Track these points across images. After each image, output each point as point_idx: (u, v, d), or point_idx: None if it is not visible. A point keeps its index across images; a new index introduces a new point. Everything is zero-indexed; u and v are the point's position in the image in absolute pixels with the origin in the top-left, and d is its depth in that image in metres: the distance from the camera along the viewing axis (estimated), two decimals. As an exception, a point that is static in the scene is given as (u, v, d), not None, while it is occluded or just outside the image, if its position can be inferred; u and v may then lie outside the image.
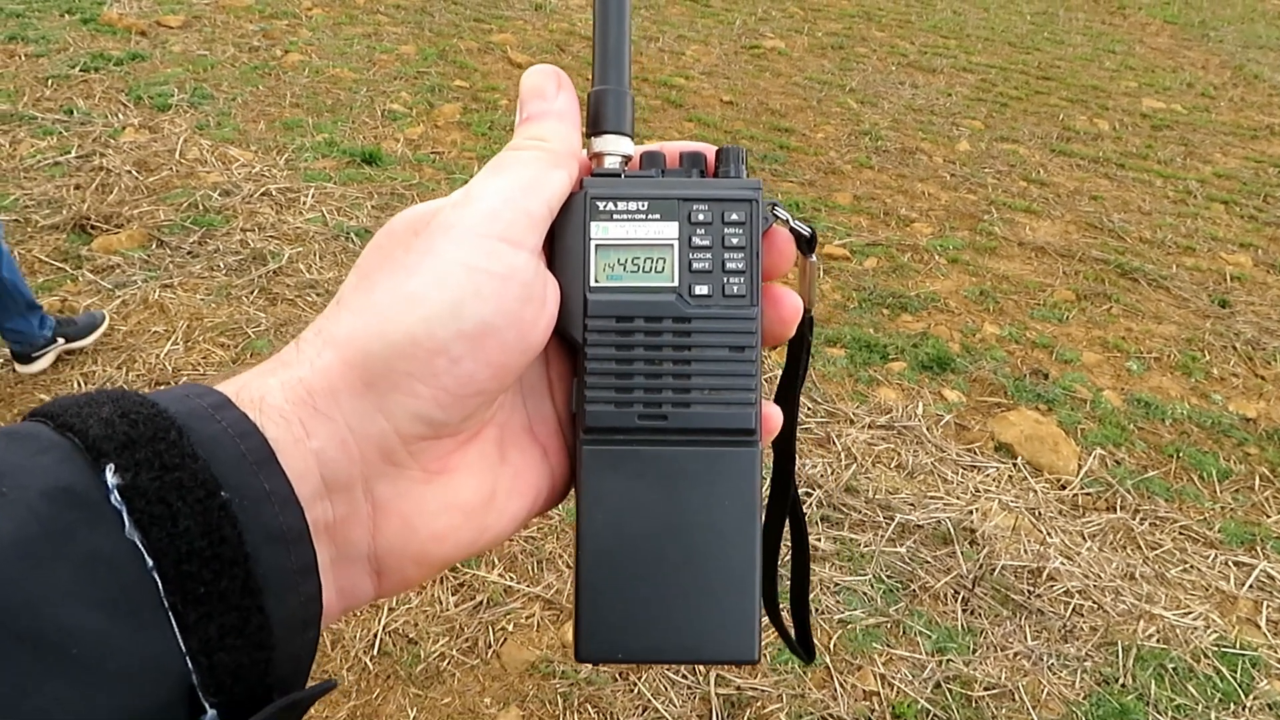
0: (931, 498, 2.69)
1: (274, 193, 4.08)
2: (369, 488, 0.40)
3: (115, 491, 0.32)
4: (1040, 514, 2.67)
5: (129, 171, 4.12)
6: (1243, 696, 2.14)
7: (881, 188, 4.81)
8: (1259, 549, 2.58)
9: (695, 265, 0.46)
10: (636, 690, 2.12)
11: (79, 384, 2.95)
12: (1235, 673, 2.20)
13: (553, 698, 2.10)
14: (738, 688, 2.14)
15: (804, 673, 2.17)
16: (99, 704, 0.30)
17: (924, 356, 3.36)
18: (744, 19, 7.60)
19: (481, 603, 2.31)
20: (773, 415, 0.47)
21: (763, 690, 2.14)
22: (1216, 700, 2.13)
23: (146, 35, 5.76)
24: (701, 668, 2.18)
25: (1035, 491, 2.76)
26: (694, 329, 0.46)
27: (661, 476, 0.46)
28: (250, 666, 0.34)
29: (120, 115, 4.64)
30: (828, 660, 2.21)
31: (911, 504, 2.66)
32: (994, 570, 2.45)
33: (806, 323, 0.50)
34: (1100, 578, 2.44)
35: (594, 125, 0.48)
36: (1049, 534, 2.59)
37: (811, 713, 2.08)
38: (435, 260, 0.41)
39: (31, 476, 0.32)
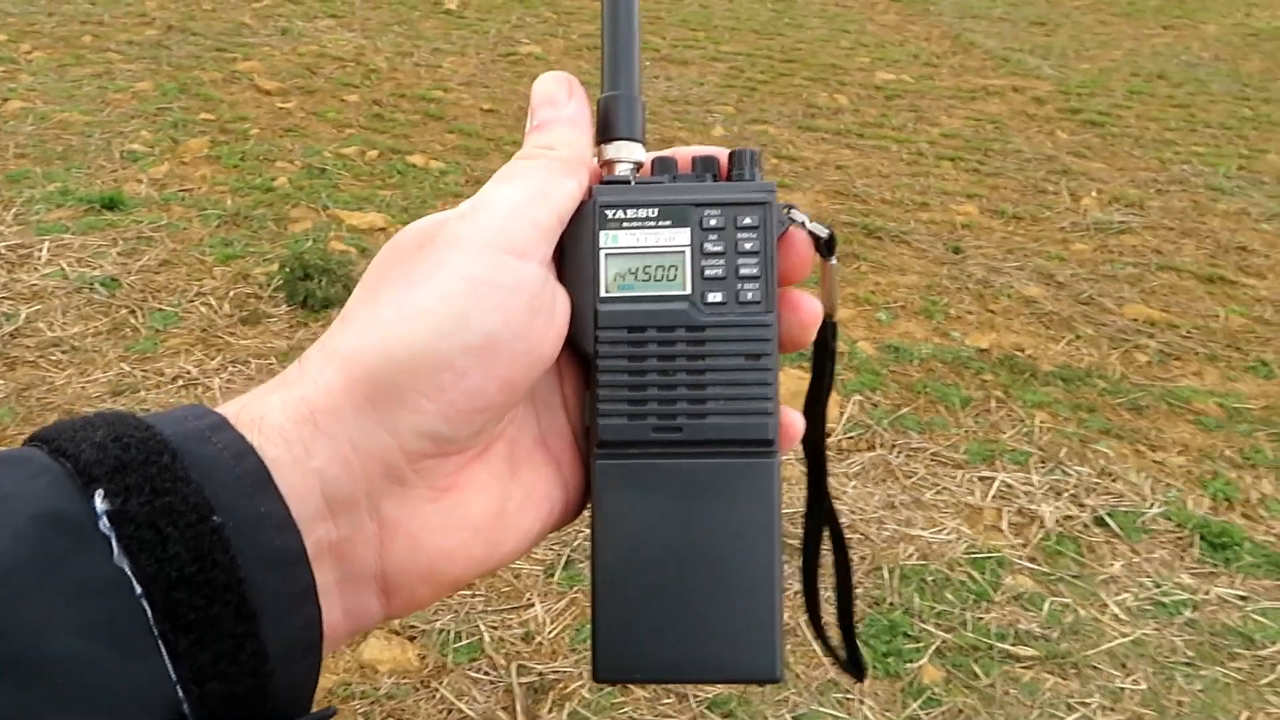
0: (710, 463, 2.82)
1: (3, 251, 3.80)
2: (374, 506, 0.39)
3: (104, 517, 0.31)
4: (809, 462, 2.85)
5: None
6: (992, 594, 2.37)
7: (644, 178, 4.97)
8: (998, 462, 2.85)
9: (708, 272, 0.45)
10: (439, 696, 2.13)
11: None
12: (985, 574, 2.43)
13: (354, 719, 2.08)
14: (540, 674, 2.19)
15: (601, 646, 2.24)
16: None
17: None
18: (499, 27, 7.65)
19: (271, 638, 2.25)
20: (793, 423, 0.46)
21: (564, 671, 2.19)
22: (971, 601, 2.35)
23: None
24: (503, 663, 2.22)
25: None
26: (708, 337, 0.44)
27: (678, 489, 0.44)
28: (245, 695, 0.32)
29: None
30: (624, 631, 2.28)
31: (692, 471, 2.78)
32: (771, 520, 2.60)
33: (830, 328, 0.49)
34: (865, 511, 2.64)
35: (604, 132, 0.46)
36: (818, 479, 2.77)
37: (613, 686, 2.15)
38: (441, 274, 0.40)
39: (22, 502, 0.31)
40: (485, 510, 0.42)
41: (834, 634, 0.57)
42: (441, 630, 2.27)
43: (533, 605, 2.35)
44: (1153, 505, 2.70)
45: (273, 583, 0.34)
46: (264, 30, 7.11)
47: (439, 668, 2.19)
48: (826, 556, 0.59)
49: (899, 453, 2.90)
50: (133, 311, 3.46)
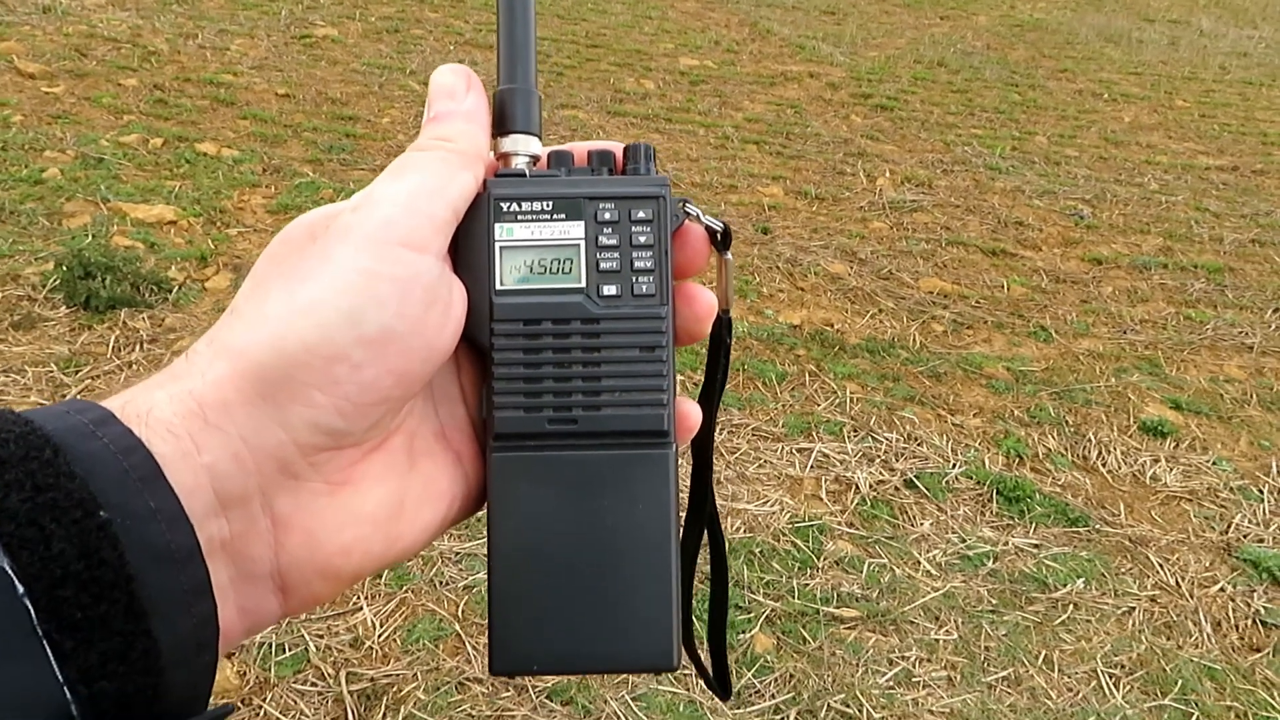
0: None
1: None
2: (268, 502, 0.38)
3: None
4: (636, 444, 2.87)
5: None
6: (816, 560, 2.47)
7: (454, 165, 4.86)
8: (814, 433, 2.97)
9: (603, 265, 0.45)
10: (263, 713, 2.01)
11: None
12: (808, 542, 2.52)
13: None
14: (371, 679, 2.10)
15: (435, 645, 2.18)
16: None
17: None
18: (290, 8, 7.28)
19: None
20: (690, 414, 0.46)
21: (396, 674, 2.12)
22: (796, 569, 2.44)
23: None
24: (331, 672, 2.12)
25: (629, 425, 2.96)
26: (603, 330, 0.45)
27: (573, 481, 0.44)
28: (136, 694, 0.32)
29: None
30: (458, 628, 2.23)
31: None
32: (601, 504, 2.61)
33: (725, 323, 0.49)
34: (692, 489, 2.68)
35: (500, 125, 0.46)
36: (645, 460, 2.80)
37: (449, 680, 2.10)
38: (333, 266, 0.39)
39: None
40: (383, 504, 0.42)
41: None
42: (262, 644, 2.14)
43: (360, 609, 2.25)
44: (955, 465, 2.88)
45: (164, 579, 0.33)
46: (21, 8, 6.47)
47: (261, 683, 2.07)
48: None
49: (722, 430, 2.96)
50: (-121, 320, 3.08)
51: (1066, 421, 3.16)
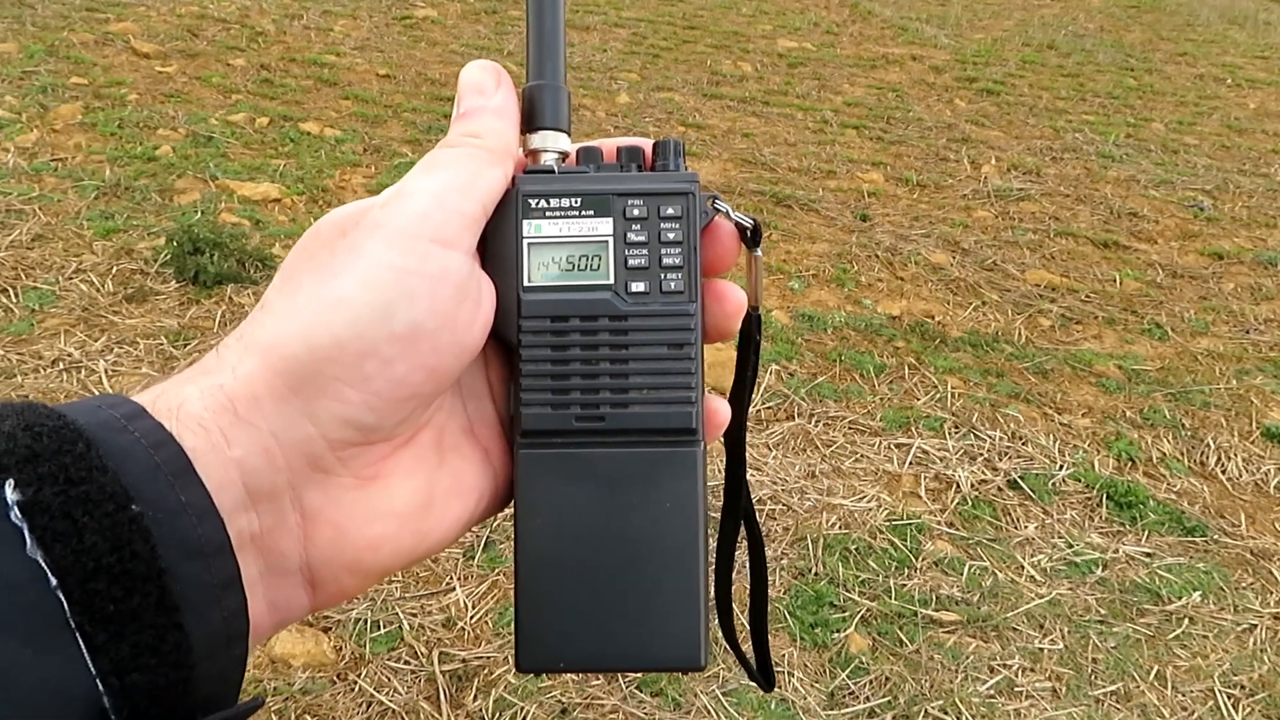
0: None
1: None
2: (297, 496, 0.39)
3: (15, 508, 0.31)
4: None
5: None
6: (914, 560, 2.40)
7: (550, 146, 4.86)
8: (914, 429, 2.88)
9: (631, 262, 0.45)
10: (358, 688, 2.04)
11: None
12: (906, 541, 2.45)
13: (268, 717, 1.97)
14: (463, 660, 2.11)
15: (526, 630, 2.18)
16: None
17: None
18: (392, -10, 7.37)
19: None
20: (718, 410, 0.46)
21: (488, 656, 2.12)
22: (893, 568, 2.37)
23: None
24: (424, 651, 2.14)
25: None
26: (631, 327, 0.45)
27: (601, 479, 0.44)
28: (168, 687, 0.32)
29: None
30: (548, 613, 2.23)
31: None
32: (694, 494, 2.57)
33: (755, 320, 0.49)
34: (786, 481, 2.63)
35: (529, 121, 0.46)
36: (738, 450, 2.75)
37: (538, 667, 2.10)
38: (363, 262, 0.39)
39: None
40: (411, 499, 0.42)
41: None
42: (358, 620, 2.17)
43: (453, 590, 2.27)
44: (1062, 467, 2.76)
45: (195, 572, 0.33)
46: (139, -11, 6.69)
47: (356, 659, 2.10)
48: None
49: (817, 421, 2.90)
50: (4, 290, 3.21)
51: (1183, 424, 3.01)
